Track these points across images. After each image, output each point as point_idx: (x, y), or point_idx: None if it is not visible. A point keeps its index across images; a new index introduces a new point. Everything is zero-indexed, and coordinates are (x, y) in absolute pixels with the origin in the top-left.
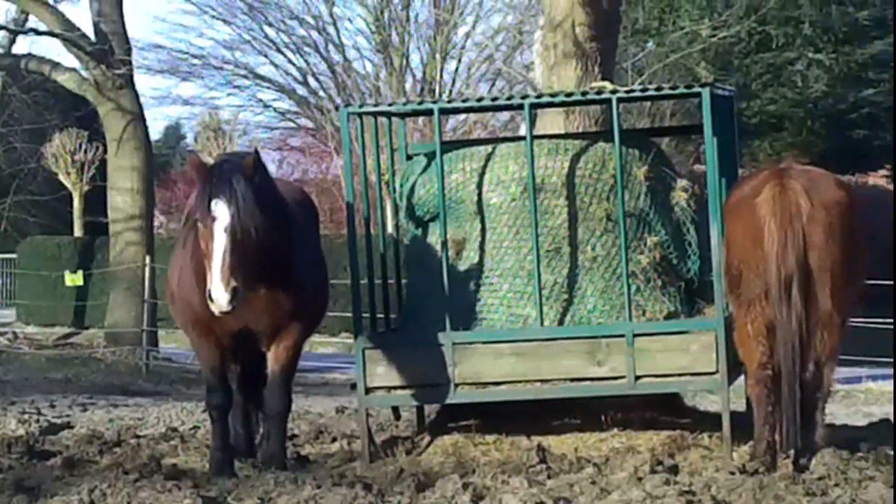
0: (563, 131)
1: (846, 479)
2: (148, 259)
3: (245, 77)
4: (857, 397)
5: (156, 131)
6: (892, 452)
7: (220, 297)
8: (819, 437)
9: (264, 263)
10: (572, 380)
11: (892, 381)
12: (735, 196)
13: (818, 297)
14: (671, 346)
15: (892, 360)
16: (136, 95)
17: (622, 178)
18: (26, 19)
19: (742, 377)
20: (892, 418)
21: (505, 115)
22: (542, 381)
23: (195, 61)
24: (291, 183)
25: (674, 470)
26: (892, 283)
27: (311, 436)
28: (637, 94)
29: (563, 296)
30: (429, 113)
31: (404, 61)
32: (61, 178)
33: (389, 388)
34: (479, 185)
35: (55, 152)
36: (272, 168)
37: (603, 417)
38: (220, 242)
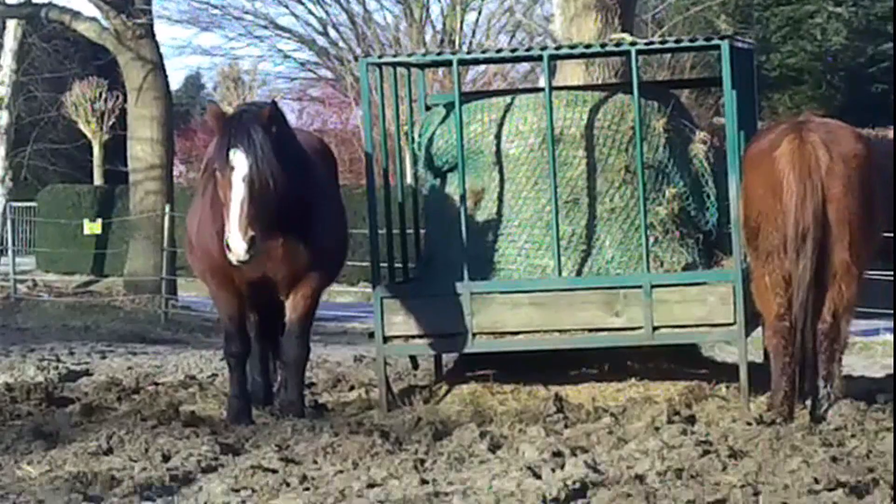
0: (582, 83)
1: (863, 430)
2: (167, 208)
3: (265, 27)
4: (875, 349)
5: (176, 81)
6: None
7: (237, 247)
8: (836, 388)
9: (282, 213)
10: (590, 330)
11: None
12: (754, 149)
13: (836, 249)
14: (689, 298)
15: None
16: (157, 45)
17: (641, 129)
18: None
19: (759, 328)
20: None
21: (524, 67)
22: (559, 331)
23: (215, 11)
24: (311, 133)
25: (691, 420)
26: None
27: (328, 384)
28: (657, 46)
29: (582, 247)
30: (448, 64)
31: (424, 13)
32: (81, 126)
33: (407, 337)
34: (498, 136)
35: (75, 101)
36: (292, 118)
37: (624, 366)
38: (238, 192)
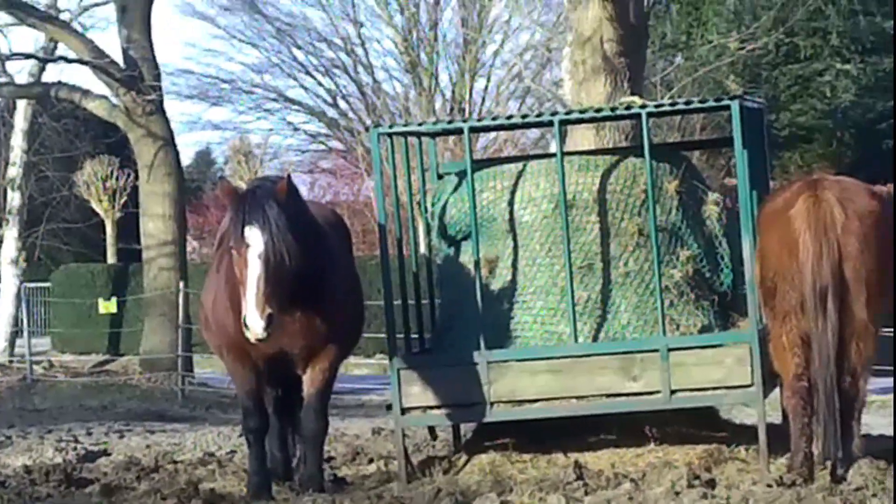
0: (593, 147)
1: (883, 489)
2: (182, 285)
3: (274, 100)
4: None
5: (187, 157)
6: None
7: (255, 325)
8: (856, 448)
9: (299, 287)
10: (608, 395)
11: None
12: (769, 208)
13: (853, 307)
14: (706, 360)
15: None
16: (167, 121)
17: (653, 192)
18: (55, 47)
19: (777, 389)
20: None
21: (535, 133)
22: (577, 397)
23: (224, 86)
24: (324, 205)
25: (711, 484)
26: None
27: (348, 457)
28: (667, 108)
29: (597, 312)
30: (459, 132)
31: (433, 81)
32: (93, 205)
33: (425, 408)
34: (511, 203)
35: (87, 180)
36: (303, 191)
37: (642, 431)
38: (254, 269)
